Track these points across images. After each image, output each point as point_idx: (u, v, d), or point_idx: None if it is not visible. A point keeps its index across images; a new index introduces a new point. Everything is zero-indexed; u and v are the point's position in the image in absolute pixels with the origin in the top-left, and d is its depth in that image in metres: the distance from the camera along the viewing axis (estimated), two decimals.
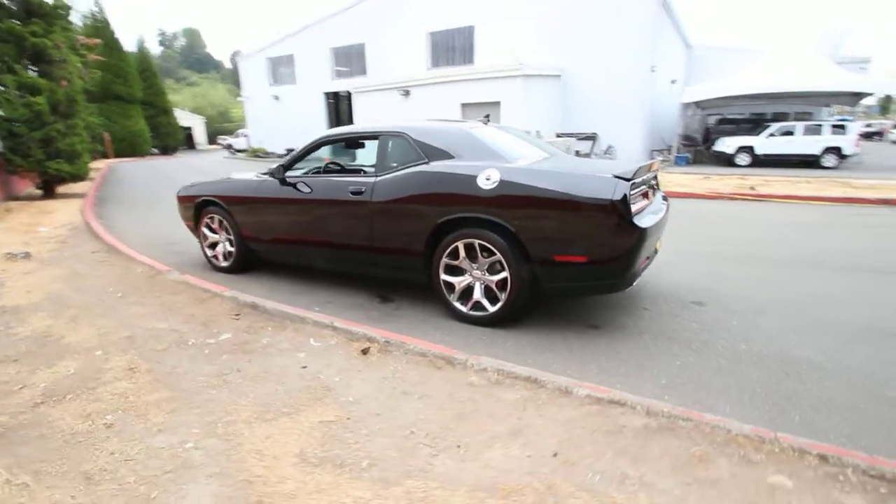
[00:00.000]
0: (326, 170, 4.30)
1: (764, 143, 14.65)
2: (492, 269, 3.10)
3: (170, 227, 6.84)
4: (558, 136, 15.66)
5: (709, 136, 18.62)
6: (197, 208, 4.65)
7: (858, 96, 15.40)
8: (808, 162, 14.14)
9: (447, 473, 1.69)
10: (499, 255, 2.99)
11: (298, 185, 3.86)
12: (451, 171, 3.13)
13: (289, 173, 4.00)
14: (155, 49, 57.08)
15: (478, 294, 3.17)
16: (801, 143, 14.16)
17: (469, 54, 18.23)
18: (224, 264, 4.61)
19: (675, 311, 3.38)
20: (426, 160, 3.29)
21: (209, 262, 4.74)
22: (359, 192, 3.48)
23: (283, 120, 23.48)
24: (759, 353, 2.73)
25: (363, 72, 20.91)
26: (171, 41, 71.15)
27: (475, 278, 3.18)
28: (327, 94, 22.70)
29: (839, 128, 13.92)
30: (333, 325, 3.02)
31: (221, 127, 41.65)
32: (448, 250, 3.17)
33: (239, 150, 28.42)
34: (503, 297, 3.06)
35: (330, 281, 4.22)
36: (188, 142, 36.51)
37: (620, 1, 14.88)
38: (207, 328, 3.19)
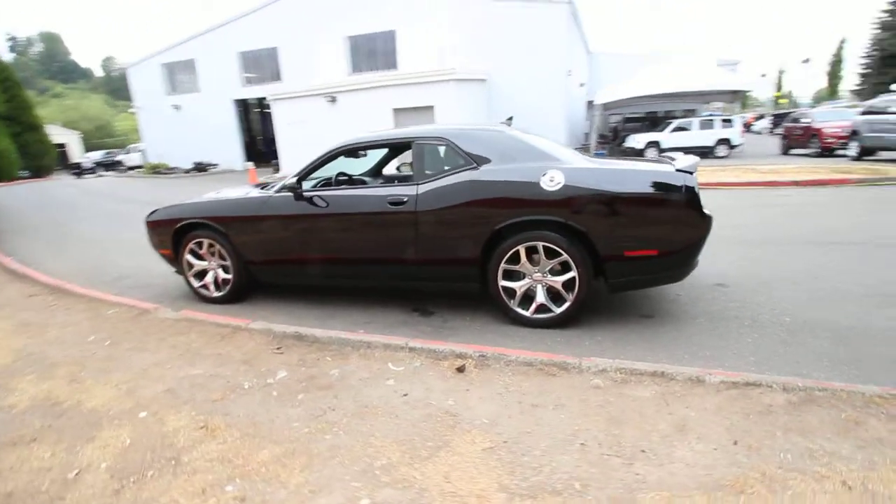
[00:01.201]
0: (337, 182, 3.99)
1: (668, 138, 16.36)
2: (553, 271, 3.10)
3: (105, 259, 5.94)
4: None
5: (618, 134, 20.39)
6: (177, 233, 4.06)
7: (737, 94, 17.81)
8: (704, 152, 16.07)
9: (663, 480, 1.65)
10: (565, 255, 2.99)
11: (319, 199, 3.53)
12: (511, 174, 3.07)
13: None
14: (6, 56, 48.80)
15: (542, 297, 3.15)
16: (698, 137, 16.05)
17: (392, 59, 18.10)
18: (217, 294, 4.08)
19: (706, 295, 3.64)
20: (475, 165, 3.20)
21: (196, 293, 4.16)
22: (399, 203, 3.28)
23: (188, 132, 21.41)
24: (805, 323, 3.03)
25: (277, 77, 19.80)
26: (26, 47, 61.53)
27: (535, 281, 3.15)
28: (237, 102, 21.12)
29: (727, 122, 16.02)
30: (409, 345, 2.81)
31: (102, 142, 36.91)
32: (508, 255, 3.11)
33: (132, 167, 25.43)
34: (570, 296, 3.07)
35: (351, 299, 3.93)
36: (63, 161, 31.78)
37: (537, 10, 15.73)
38: (253, 368, 2.80)
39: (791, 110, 27.25)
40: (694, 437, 1.90)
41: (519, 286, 3.18)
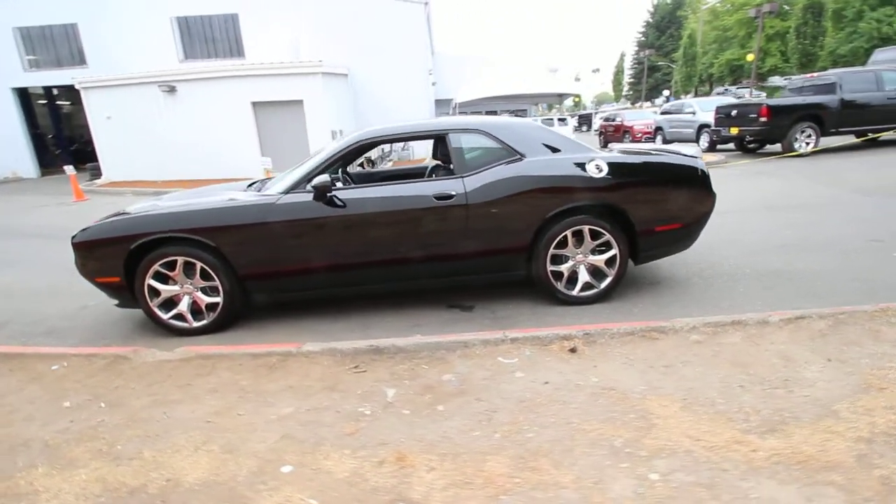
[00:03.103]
0: (344, 180, 3.63)
1: None
2: (592, 250, 3.41)
3: None
4: None
5: None
6: (132, 254, 3.19)
7: (561, 96, 20.87)
8: None
9: (829, 395, 2.09)
10: (608, 235, 3.33)
11: (348, 200, 3.19)
12: (561, 164, 3.26)
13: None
14: None
15: (585, 276, 3.43)
16: None
17: (237, 47, 16.24)
18: (198, 324, 3.35)
19: (676, 260, 4.33)
20: (519, 157, 3.30)
21: (165, 327, 3.35)
22: (447, 197, 3.20)
23: None
24: (760, 272, 3.92)
25: (81, 61, 15.99)
26: None
27: (578, 262, 3.42)
28: (18, 91, 16.36)
29: (563, 120, 18.69)
30: (509, 337, 2.80)
31: None
32: (556, 240, 3.31)
33: None
34: (612, 272, 3.42)
35: (370, 306, 3.65)
36: None
37: (398, 8, 15.86)
38: (347, 393, 2.47)
39: (590, 111, 32.94)
40: (803, 362, 2.40)
41: (565, 268, 3.40)
